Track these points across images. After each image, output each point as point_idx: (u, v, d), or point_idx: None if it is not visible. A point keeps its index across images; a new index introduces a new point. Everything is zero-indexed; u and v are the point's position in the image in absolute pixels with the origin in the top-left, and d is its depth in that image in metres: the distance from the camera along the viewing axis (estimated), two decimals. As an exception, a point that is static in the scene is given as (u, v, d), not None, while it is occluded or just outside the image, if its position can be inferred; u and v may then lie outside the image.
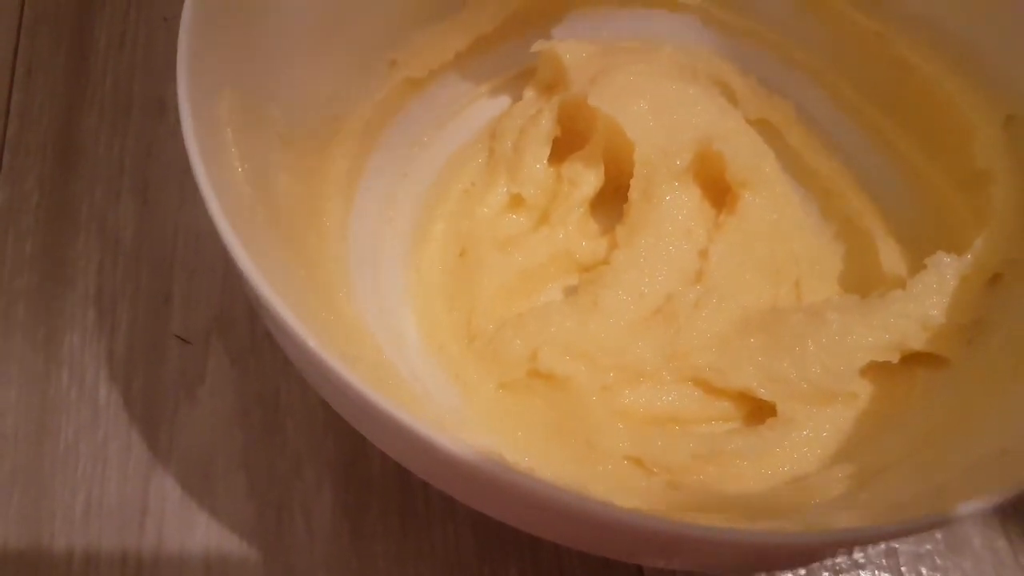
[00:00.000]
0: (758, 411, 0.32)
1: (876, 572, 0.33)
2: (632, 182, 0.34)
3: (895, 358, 0.31)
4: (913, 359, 0.31)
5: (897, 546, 0.33)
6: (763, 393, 0.31)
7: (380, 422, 0.20)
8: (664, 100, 0.34)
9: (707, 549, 0.22)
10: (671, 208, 0.34)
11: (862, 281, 0.34)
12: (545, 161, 0.35)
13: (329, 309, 0.30)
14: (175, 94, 0.41)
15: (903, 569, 0.33)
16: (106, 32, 0.43)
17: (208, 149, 0.24)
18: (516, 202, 0.36)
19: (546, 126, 0.35)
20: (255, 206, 0.27)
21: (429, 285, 0.35)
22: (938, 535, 0.33)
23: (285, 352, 0.24)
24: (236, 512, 0.33)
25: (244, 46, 0.28)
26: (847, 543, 0.23)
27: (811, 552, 0.25)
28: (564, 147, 0.36)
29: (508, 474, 0.19)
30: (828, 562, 0.33)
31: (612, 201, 0.36)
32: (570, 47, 0.36)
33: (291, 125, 0.31)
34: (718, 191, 0.35)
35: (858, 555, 0.33)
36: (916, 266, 0.32)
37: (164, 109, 0.41)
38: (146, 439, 0.34)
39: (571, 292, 0.35)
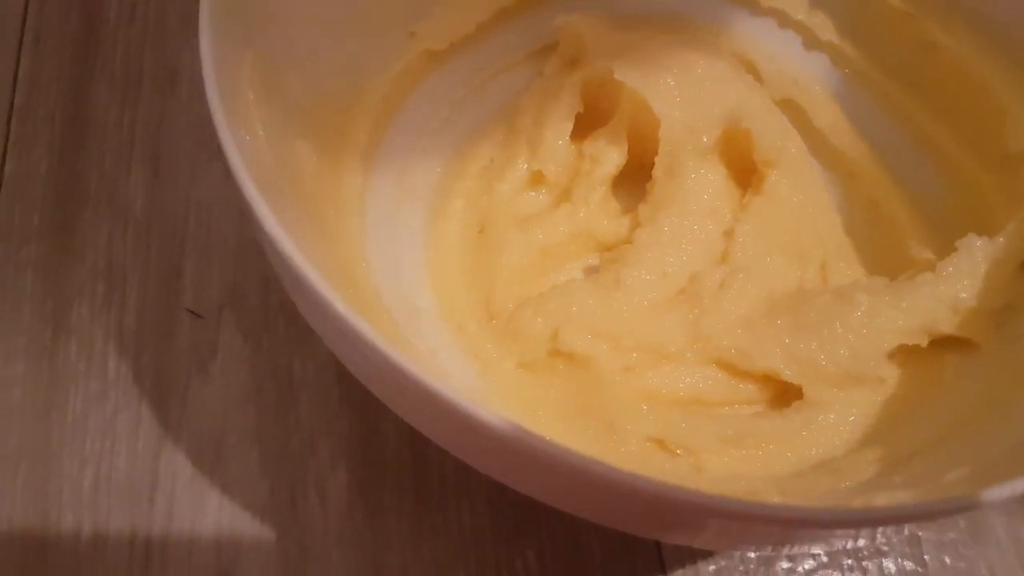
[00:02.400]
0: (783, 394, 0.31)
1: (899, 560, 0.32)
2: (657, 159, 0.33)
3: (924, 342, 0.30)
4: (942, 343, 0.30)
5: (920, 534, 0.33)
6: (789, 376, 0.30)
7: (410, 390, 0.20)
8: (692, 75, 0.33)
9: (736, 523, 0.21)
10: (696, 187, 0.33)
11: (889, 264, 0.33)
12: (567, 137, 0.34)
13: (348, 283, 0.29)
14: (187, 65, 0.41)
15: (926, 557, 0.32)
16: (116, 1, 0.42)
17: (230, 109, 0.23)
18: (536, 179, 0.35)
19: (569, 101, 0.34)
20: (275, 172, 0.26)
21: (447, 262, 0.34)
22: (962, 523, 0.33)
23: (307, 319, 0.24)
24: (249, 489, 0.32)
25: (264, 9, 0.27)
26: (876, 521, 0.23)
27: (839, 528, 0.24)
28: (586, 123, 0.35)
29: (545, 444, 0.18)
30: (851, 547, 0.32)
31: (634, 179, 0.35)
32: (593, 21, 0.35)
33: (310, 93, 0.30)
34: (744, 170, 0.34)
35: (881, 541, 0.32)
36: (945, 249, 0.31)
37: (175, 81, 0.40)
38: (156, 414, 0.34)
39: (592, 271, 0.35)
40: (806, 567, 0.32)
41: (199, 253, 0.36)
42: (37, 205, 0.38)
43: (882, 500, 0.24)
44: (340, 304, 0.20)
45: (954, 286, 0.30)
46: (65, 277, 0.36)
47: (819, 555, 0.32)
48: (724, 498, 0.19)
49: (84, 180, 0.38)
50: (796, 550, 0.31)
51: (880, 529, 0.31)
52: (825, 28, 0.37)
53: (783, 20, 0.37)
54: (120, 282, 0.36)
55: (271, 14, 0.28)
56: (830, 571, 0.32)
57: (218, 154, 0.22)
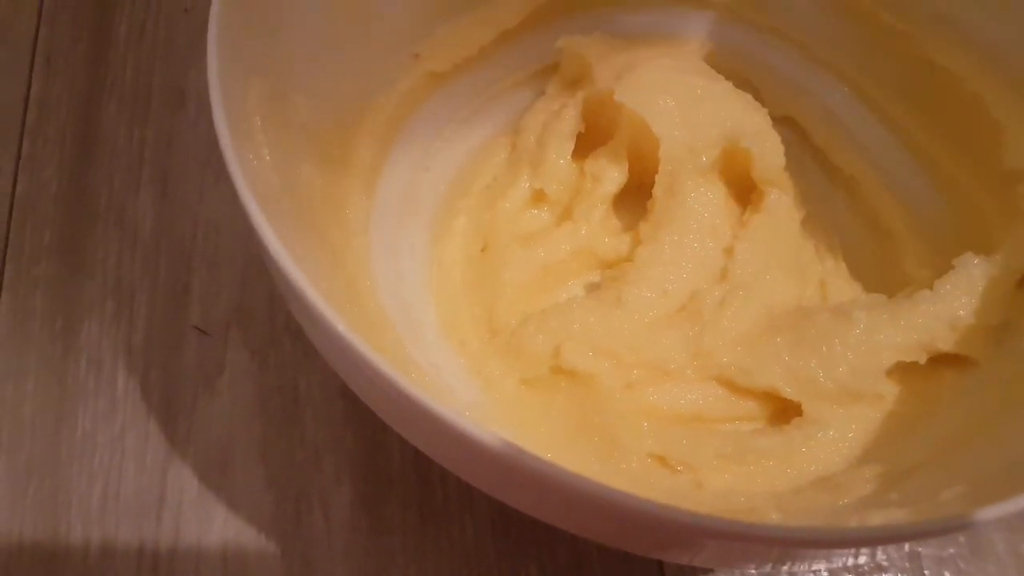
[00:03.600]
0: (783, 411, 0.31)
1: (899, 575, 0.32)
2: (657, 178, 0.34)
3: (922, 359, 0.30)
4: (941, 360, 0.30)
5: (920, 549, 0.33)
6: (789, 392, 0.30)
7: (410, 410, 0.20)
8: (691, 96, 0.33)
9: (735, 543, 0.22)
10: (696, 205, 0.33)
11: (888, 282, 0.33)
12: (568, 156, 0.35)
13: (353, 301, 0.29)
14: (195, 85, 0.42)
15: (926, 572, 0.32)
16: (126, 22, 0.43)
17: (237, 135, 0.23)
18: (538, 197, 0.36)
19: (570, 121, 0.35)
20: (281, 195, 0.26)
21: (451, 280, 0.35)
22: (961, 539, 0.33)
23: (311, 339, 0.24)
24: (254, 504, 0.33)
25: (271, 34, 0.28)
26: (874, 540, 0.23)
27: (837, 548, 0.25)
28: (588, 142, 0.36)
29: (541, 464, 0.18)
30: (851, 564, 0.32)
31: (635, 198, 0.36)
32: (594, 42, 0.36)
33: (315, 115, 0.30)
34: (744, 188, 0.34)
35: (881, 557, 0.32)
36: (943, 267, 0.32)
37: (184, 100, 0.41)
38: (164, 430, 0.34)
39: (593, 289, 0.35)
40: (806, 583, 0.32)
41: (206, 271, 0.37)
42: (48, 224, 0.38)
43: (878, 519, 0.24)
44: (341, 325, 0.21)
45: (952, 304, 0.30)
46: (75, 295, 0.37)
47: (820, 571, 0.32)
48: (719, 519, 0.20)
49: (94, 199, 0.39)
50: (797, 567, 0.32)
51: (880, 546, 0.31)
52: (824, 47, 0.37)
53: (782, 39, 0.38)
54: (128, 300, 0.37)
55: (278, 39, 0.28)
56: (830, 587, 0.32)
57: (225, 173, 0.22)
